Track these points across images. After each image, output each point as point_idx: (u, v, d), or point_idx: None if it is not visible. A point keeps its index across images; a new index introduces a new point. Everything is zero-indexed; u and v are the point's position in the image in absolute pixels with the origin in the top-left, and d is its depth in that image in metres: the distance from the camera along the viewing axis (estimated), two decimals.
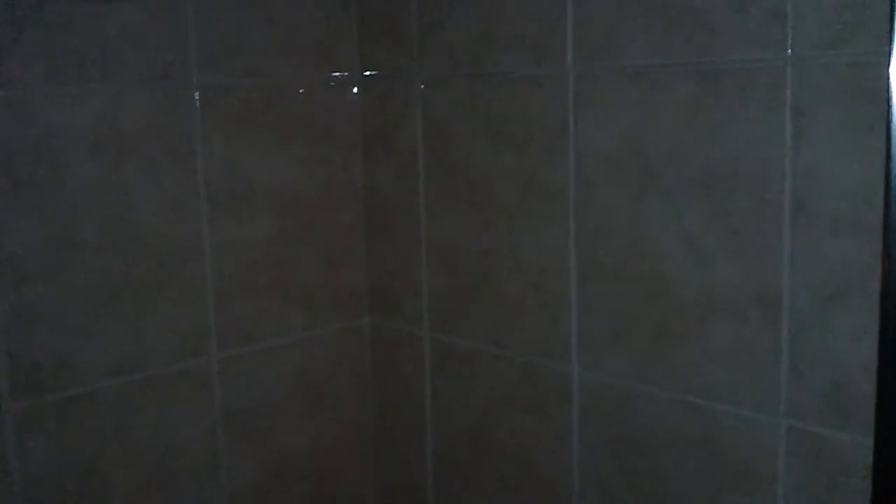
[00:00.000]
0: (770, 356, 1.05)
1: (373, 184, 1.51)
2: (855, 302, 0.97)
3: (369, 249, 1.53)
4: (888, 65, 0.86)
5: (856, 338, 0.97)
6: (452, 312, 1.41)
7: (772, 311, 1.04)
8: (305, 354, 1.48)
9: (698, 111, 1.07)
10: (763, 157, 1.02)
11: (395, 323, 1.51)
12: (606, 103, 1.16)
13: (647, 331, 1.16)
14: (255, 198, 1.40)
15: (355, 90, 1.49)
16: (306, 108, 1.44)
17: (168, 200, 1.30)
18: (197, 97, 1.32)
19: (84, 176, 1.22)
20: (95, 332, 1.25)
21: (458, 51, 1.33)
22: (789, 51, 0.98)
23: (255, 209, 1.40)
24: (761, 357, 1.05)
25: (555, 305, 1.26)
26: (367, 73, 1.48)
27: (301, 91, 1.43)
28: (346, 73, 1.48)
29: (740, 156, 1.04)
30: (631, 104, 1.14)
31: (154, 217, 1.29)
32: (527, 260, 1.29)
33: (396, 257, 1.49)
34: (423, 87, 1.39)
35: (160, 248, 1.30)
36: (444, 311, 1.42)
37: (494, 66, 1.29)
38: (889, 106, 0.87)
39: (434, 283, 1.43)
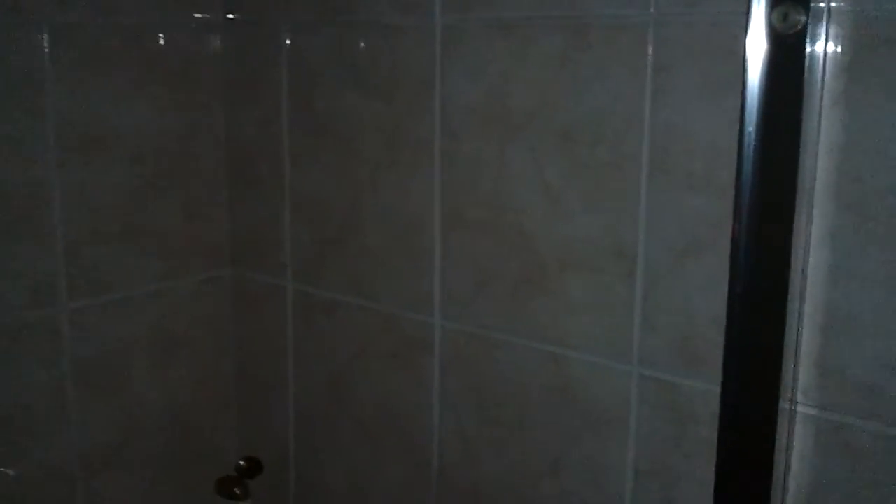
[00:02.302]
0: (624, 307, 1.08)
1: (236, 131, 1.47)
2: (706, 256, 1.01)
3: (231, 199, 1.49)
4: (746, 25, 0.89)
5: (706, 290, 1.01)
6: (316, 263, 1.39)
7: (627, 263, 1.07)
8: (163, 305, 1.44)
9: (564, 66, 1.08)
10: (624, 113, 1.04)
11: (258, 274, 1.48)
12: (474, 55, 1.16)
13: (508, 282, 1.18)
14: (110, 142, 1.33)
15: (218, 34, 1.44)
16: (165, 51, 1.38)
17: (14, 143, 1.23)
18: (46, 34, 1.24)
19: None
20: None
21: None
22: (652, 8, 1.00)
23: (110, 154, 1.34)
24: (616, 308, 1.09)
25: (418, 257, 1.26)
26: (231, 15, 1.43)
27: (160, 33, 1.37)
28: (207, 16, 1.43)
29: (602, 111, 1.06)
30: (498, 57, 1.14)
31: None
32: (391, 211, 1.28)
33: (259, 207, 1.45)
34: (289, 32, 1.36)
35: (5, 193, 1.23)
36: (308, 262, 1.40)
37: (362, 14, 1.27)
38: (745, 66, 0.90)
39: (298, 234, 1.41)
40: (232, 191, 1.49)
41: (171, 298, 1.45)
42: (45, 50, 1.25)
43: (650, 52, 1.01)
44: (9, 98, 1.22)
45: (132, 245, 1.38)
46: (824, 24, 0.90)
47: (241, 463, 1.49)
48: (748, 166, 0.91)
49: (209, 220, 1.48)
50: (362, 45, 1.27)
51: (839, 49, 0.90)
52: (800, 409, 0.97)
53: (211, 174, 1.47)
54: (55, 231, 1.29)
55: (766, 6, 0.88)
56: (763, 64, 0.88)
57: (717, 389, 0.96)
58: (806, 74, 0.91)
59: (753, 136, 0.90)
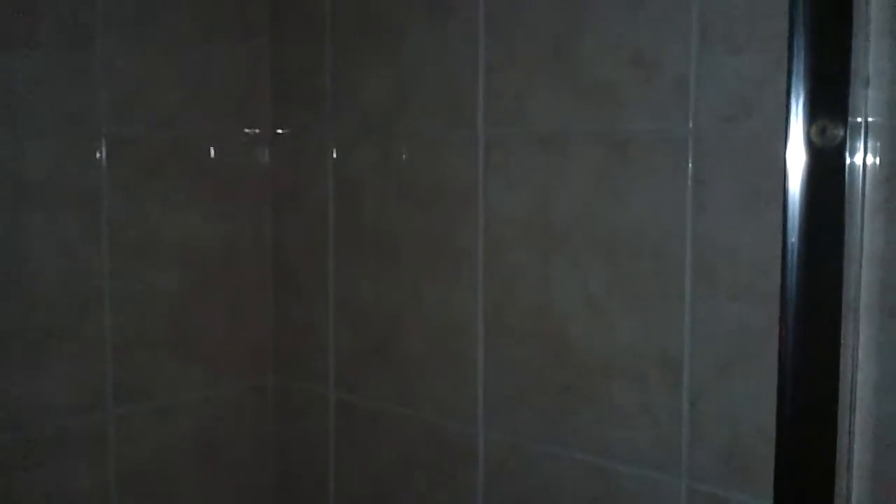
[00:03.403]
0: (671, 418, 1.07)
1: (282, 241, 1.50)
2: (753, 366, 1.00)
3: (276, 307, 1.51)
4: (785, 139, 0.91)
5: (754, 401, 1.00)
6: (358, 371, 1.40)
7: (673, 374, 1.06)
8: (206, 413, 1.45)
9: (604, 178, 1.10)
10: (666, 224, 1.05)
11: (300, 382, 1.49)
12: (516, 167, 1.19)
13: (551, 392, 1.17)
14: (160, 251, 1.37)
15: (267, 147, 1.49)
16: (216, 163, 1.43)
17: (69, 251, 1.27)
18: (104, 147, 1.29)
19: None
20: None
21: (371, 112, 1.35)
22: (691, 123, 1.02)
23: (160, 262, 1.37)
24: (663, 419, 1.08)
25: (461, 366, 1.26)
26: (280, 130, 1.48)
27: (211, 146, 1.42)
28: (257, 130, 1.48)
29: (644, 222, 1.07)
30: (540, 169, 1.16)
31: (54, 267, 1.26)
32: (434, 320, 1.29)
33: (303, 315, 1.47)
34: (335, 146, 1.40)
35: (58, 300, 1.26)
36: (350, 370, 1.41)
37: (407, 129, 1.30)
38: (785, 179, 0.91)
39: (341, 342, 1.42)
40: (277, 299, 1.51)
41: (214, 406, 1.46)
42: (102, 161, 1.30)
43: (690, 165, 1.03)
44: (66, 206, 1.26)
45: (178, 352, 1.40)
46: (862, 137, 0.92)
47: None
48: (792, 277, 0.91)
49: (254, 329, 1.50)
50: (406, 157, 1.31)
51: (878, 161, 0.91)
52: None
53: (256, 282, 1.50)
54: (104, 337, 1.31)
55: (805, 121, 0.89)
56: (803, 177, 0.90)
57: (769, 503, 0.94)
58: (846, 186, 0.92)
59: (796, 247, 0.90)
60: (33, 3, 1.21)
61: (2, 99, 1.19)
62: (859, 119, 0.91)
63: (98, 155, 1.29)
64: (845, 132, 0.91)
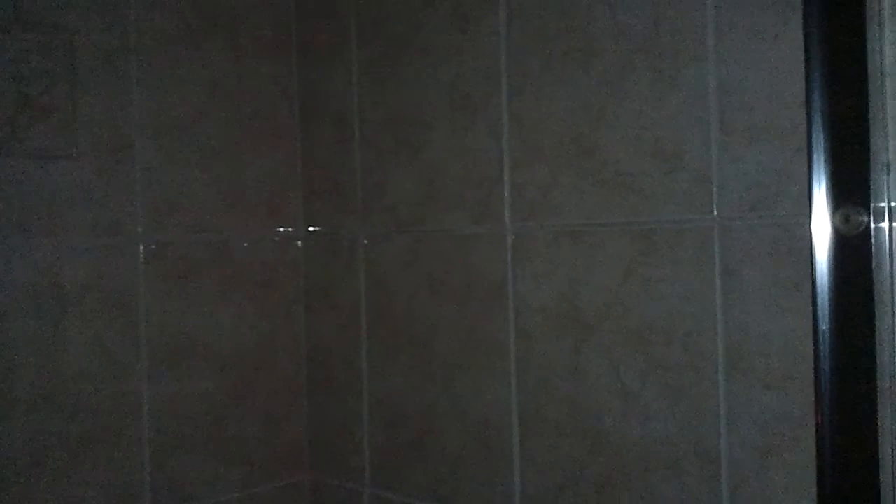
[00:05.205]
0: None
1: (315, 337, 1.51)
2: (791, 454, 0.99)
3: (310, 404, 1.52)
4: (810, 227, 0.92)
5: (793, 489, 0.99)
6: (394, 467, 1.40)
7: (710, 465, 1.05)
8: None
9: (632, 269, 1.11)
10: (696, 314, 1.06)
11: (336, 479, 1.48)
12: (544, 260, 1.20)
13: (589, 484, 1.16)
14: (196, 352, 1.39)
15: (300, 245, 1.52)
16: (249, 262, 1.46)
17: (107, 355, 1.29)
18: (141, 251, 1.33)
19: (22, 330, 1.21)
20: (23, 492, 1.21)
21: (400, 209, 1.37)
22: (715, 212, 1.04)
23: (196, 364, 1.39)
24: None
25: (497, 459, 1.26)
26: (312, 228, 1.51)
27: (245, 245, 1.45)
28: (290, 229, 1.51)
29: (674, 312, 1.08)
30: (567, 261, 1.17)
31: (92, 372, 1.28)
32: (469, 413, 1.29)
33: (338, 412, 1.48)
34: (366, 242, 1.42)
35: (97, 405, 1.28)
36: (386, 466, 1.41)
37: (435, 224, 1.33)
38: (813, 265, 0.92)
39: (375, 438, 1.42)
40: (311, 396, 1.52)
41: None
42: (140, 266, 1.33)
43: (717, 254, 1.04)
44: (105, 312, 1.29)
45: (215, 453, 1.41)
46: (887, 221, 0.92)
47: None
48: (825, 365, 0.91)
49: (289, 426, 1.50)
50: (436, 252, 1.33)
51: None
52: None
53: (291, 379, 1.51)
54: (143, 440, 1.32)
55: (829, 209, 0.90)
56: (830, 264, 0.90)
57: None
58: (874, 270, 0.92)
59: (828, 334, 0.90)
60: (73, 114, 1.26)
61: (43, 207, 1.23)
62: (882, 204, 0.92)
63: (136, 259, 1.32)
64: (869, 218, 0.91)
